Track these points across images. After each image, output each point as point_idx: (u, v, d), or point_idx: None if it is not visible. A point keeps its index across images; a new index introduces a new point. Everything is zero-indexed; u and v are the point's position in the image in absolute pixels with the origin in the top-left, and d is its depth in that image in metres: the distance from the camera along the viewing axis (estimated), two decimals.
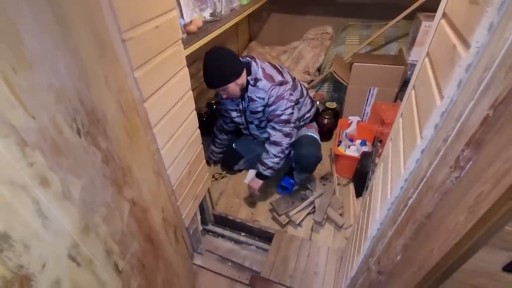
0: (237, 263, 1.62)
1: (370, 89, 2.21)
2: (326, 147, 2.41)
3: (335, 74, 2.28)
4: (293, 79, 1.74)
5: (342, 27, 2.81)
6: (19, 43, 0.45)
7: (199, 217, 1.65)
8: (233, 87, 1.54)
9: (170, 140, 1.08)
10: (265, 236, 1.75)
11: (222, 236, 1.79)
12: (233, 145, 2.12)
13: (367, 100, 2.27)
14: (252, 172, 2.15)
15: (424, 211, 0.62)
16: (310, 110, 1.90)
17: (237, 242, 1.76)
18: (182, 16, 1.42)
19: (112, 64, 0.71)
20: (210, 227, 1.83)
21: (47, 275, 0.50)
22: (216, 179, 2.15)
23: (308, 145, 1.78)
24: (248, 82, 1.59)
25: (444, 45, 0.63)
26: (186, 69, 1.12)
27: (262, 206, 1.95)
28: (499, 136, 0.44)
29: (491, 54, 0.44)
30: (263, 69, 1.59)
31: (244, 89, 1.61)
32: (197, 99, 1.55)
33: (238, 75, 1.53)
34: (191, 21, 1.45)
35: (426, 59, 0.76)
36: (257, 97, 1.62)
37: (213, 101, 2.49)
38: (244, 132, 2.00)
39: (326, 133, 2.43)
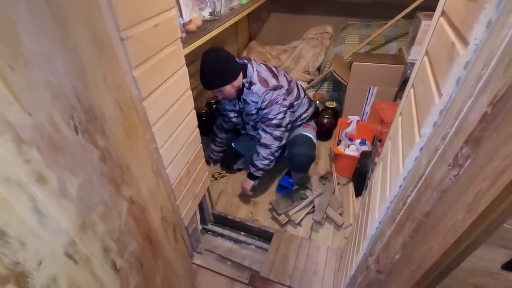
0: (237, 262, 1.62)
1: (370, 88, 2.20)
2: (325, 147, 2.41)
3: (334, 74, 2.28)
4: (289, 82, 1.71)
5: (342, 26, 2.81)
6: (17, 42, 0.45)
7: (198, 216, 1.65)
8: (229, 89, 1.55)
9: (169, 139, 1.08)
10: (265, 236, 1.75)
11: (222, 235, 1.79)
12: (232, 144, 2.12)
13: (367, 99, 2.27)
14: None
15: (422, 209, 0.62)
16: (307, 110, 1.89)
17: (236, 241, 1.76)
18: (181, 15, 1.42)
19: (110, 63, 0.71)
20: (210, 226, 1.83)
21: (43, 272, 0.50)
22: (216, 178, 2.15)
23: (301, 145, 1.77)
24: (243, 84, 1.60)
25: (442, 43, 0.63)
26: (185, 68, 1.12)
27: (261, 205, 1.95)
28: (497, 133, 0.44)
29: (490, 51, 0.44)
30: (258, 72, 1.59)
31: (240, 91, 1.62)
32: (196, 99, 1.55)
33: (235, 77, 1.53)
34: (190, 20, 1.45)
35: (425, 58, 0.76)
36: (251, 100, 1.63)
37: (212, 101, 2.49)
38: (242, 132, 2.01)
39: (326, 133, 2.43)
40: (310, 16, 2.98)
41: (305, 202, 1.85)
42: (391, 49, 2.44)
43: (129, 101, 0.79)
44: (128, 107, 0.78)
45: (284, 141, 1.70)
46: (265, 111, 1.60)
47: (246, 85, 1.59)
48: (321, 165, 2.23)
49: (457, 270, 0.58)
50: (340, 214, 1.80)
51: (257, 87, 1.57)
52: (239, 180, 2.12)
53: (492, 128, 0.44)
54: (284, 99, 1.60)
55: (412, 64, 2.06)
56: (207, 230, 1.82)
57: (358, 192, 1.92)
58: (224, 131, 2.07)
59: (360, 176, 1.86)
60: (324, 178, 2.07)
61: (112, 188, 0.71)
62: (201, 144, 1.39)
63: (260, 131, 1.69)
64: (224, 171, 2.20)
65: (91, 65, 0.62)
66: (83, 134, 0.59)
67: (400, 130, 0.85)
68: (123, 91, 0.76)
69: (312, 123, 2.01)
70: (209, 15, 1.71)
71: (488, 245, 0.51)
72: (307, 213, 1.83)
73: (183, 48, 1.17)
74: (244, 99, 1.65)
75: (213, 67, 1.47)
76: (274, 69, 1.70)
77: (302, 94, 1.83)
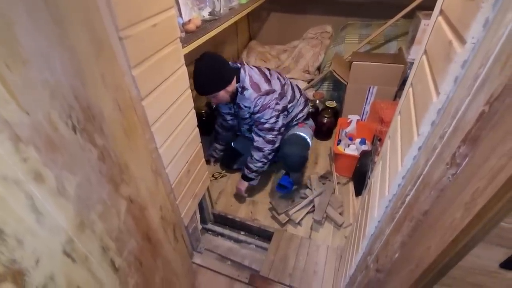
0: (237, 262, 1.62)
1: (370, 87, 2.20)
2: (325, 146, 2.41)
3: (334, 73, 2.28)
4: (282, 85, 1.69)
5: (341, 26, 2.81)
6: (14, 41, 0.45)
7: (198, 216, 1.65)
8: (223, 94, 1.56)
9: (169, 139, 1.08)
10: (265, 235, 1.75)
11: (222, 235, 1.79)
12: (232, 143, 2.12)
13: (367, 99, 2.27)
14: None
15: (421, 208, 0.62)
16: (302, 109, 1.88)
17: (236, 241, 1.76)
18: (180, 15, 1.42)
19: (109, 62, 0.71)
20: (210, 226, 1.83)
21: (41, 270, 0.50)
22: (216, 178, 2.15)
23: (293, 145, 1.76)
24: (237, 89, 1.60)
25: (440, 42, 0.63)
26: (184, 68, 1.12)
27: (261, 205, 1.95)
28: (494, 132, 0.44)
29: (487, 50, 0.44)
30: (250, 77, 1.58)
31: (234, 95, 1.62)
32: (196, 99, 1.55)
33: (228, 83, 1.54)
34: (189, 20, 1.45)
35: (424, 57, 0.76)
36: (244, 105, 1.64)
37: None
38: (238, 133, 2.04)
39: (326, 132, 2.43)
40: (310, 16, 2.98)
41: (305, 201, 1.85)
42: (391, 49, 2.44)
43: (128, 100, 0.80)
44: (127, 107, 0.78)
45: (277, 144, 1.71)
46: (257, 115, 1.61)
47: (239, 90, 1.59)
48: (321, 165, 2.23)
49: (455, 269, 0.58)
50: (340, 214, 1.80)
51: (249, 92, 1.57)
52: (239, 179, 2.13)
53: (489, 127, 0.44)
54: (277, 104, 1.59)
55: (412, 64, 2.06)
56: (207, 230, 1.82)
57: (358, 192, 1.92)
58: (225, 129, 2.08)
59: (360, 176, 1.86)
60: (324, 177, 2.07)
61: (110, 187, 0.71)
62: (200, 144, 1.39)
63: (253, 134, 1.71)
64: (224, 171, 2.20)
65: (90, 65, 0.63)
66: (81, 133, 0.59)
67: (399, 129, 0.85)
68: (122, 91, 0.76)
69: (310, 122, 2.00)
70: (208, 15, 1.71)
71: (485, 244, 0.51)
72: (307, 213, 1.83)
73: (183, 48, 1.17)
74: (237, 104, 1.66)
75: (206, 73, 1.47)
76: (267, 72, 1.68)
77: (297, 95, 1.82)
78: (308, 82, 2.76)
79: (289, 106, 1.74)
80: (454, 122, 0.51)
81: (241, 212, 1.91)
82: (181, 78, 1.12)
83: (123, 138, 0.76)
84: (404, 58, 2.10)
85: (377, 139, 1.87)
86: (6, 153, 0.43)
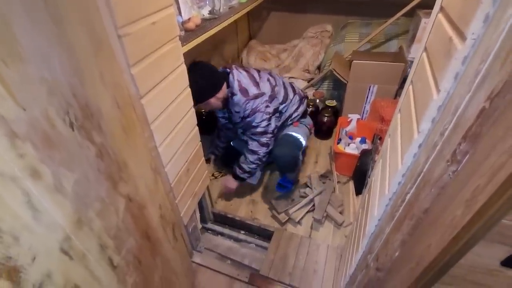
0: (237, 261, 1.62)
1: (370, 86, 2.20)
2: (326, 145, 2.41)
3: (334, 72, 2.28)
4: (273, 87, 1.66)
5: (341, 25, 2.80)
6: (11, 37, 0.45)
7: (198, 215, 1.65)
8: (214, 101, 1.55)
9: (168, 137, 1.07)
10: (265, 234, 1.75)
11: (222, 234, 1.79)
12: (231, 143, 2.12)
13: (367, 97, 2.26)
14: None
15: (421, 206, 0.62)
16: (297, 109, 1.83)
17: (236, 240, 1.75)
18: (180, 13, 1.41)
19: (108, 60, 0.71)
20: (210, 225, 1.83)
21: (37, 268, 0.50)
22: (216, 177, 2.15)
23: (283, 145, 1.74)
24: (228, 94, 1.60)
25: (441, 39, 0.63)
26: (183, 66, 1.12)
27: (261, 204, 1.94)
28: (495, 128, 0.43)
29: (487, 46, 0.44)
30: (239, 81, 1.57)
31: (226, 101, 1.62)
32: None
33: (217, 90, 1.53)
34: (189, 19, 1.45)
35: (424, 54, 0.76)
36: (234, 110, 1.64)
37: None
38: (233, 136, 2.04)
39: (326, 131, 2.43)
40: (310, 15, 2.98)
41: (305, 200, 1.84)
42: (391, 47, 2.44)
43: (127, 98, 0.79)
44: (126, 105, 0.78)
45: (271, 147, 1.71)
46: (248, 119, 1.60)
47: (229, 95, 1.59)
48: (321, 164, 2.23)
49: (455, 267, 0.58)
50: (340, 213, 1.79)
51: (238, 98, 1.57)
52: None
53: (489, 123, 0.44)
54: (267, 106, 1.58)
55: (412, 62, 2.05)
56: (207, 229, 1.82)
57: (359, 191, 1.92)
58: (226, 128, 2.07)
59: (360, 175, 1.86)
60: (324, 176, 2.07)
61: (109, 185, 0.70)
62: (200, 143, 1.39)
63: (247, 138, 1.71)
64: (224, 170, 2.20)
65: (88, 62, 0.62)
66: (79, 130, 0.59)
67: (399, 127, 0.85)
68: (120, 89, 0.76)
69: (307, 120, 1.96)
70: (208, 13, 1.71)
71: (486, 242, 0.50)
72: (307, 212, 1.83)
73: (182, 46, 1.17)
74: (229, 109, 1.66)
75: (194, 82, 1.46)
76: (256, 75, 1.66)
77: (290, 94, 1.78)
78: (308, 81, 2.75)
79: (281, 107, 1.72)
80: (455, 119, 0.51)
81: (241, 211, 1.90)
82: (181, 77, 1.12)
83: (121, 136, 0.76)
84: (405, 57, 2.09)
85: (378, 138, 1.87)
86: (3, 149, 0.43)
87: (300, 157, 1.81)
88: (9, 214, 0.45)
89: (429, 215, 0.61)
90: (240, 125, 1.71)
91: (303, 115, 1.90)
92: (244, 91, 1.57)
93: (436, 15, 0.71)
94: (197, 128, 1.33)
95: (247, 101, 1.56)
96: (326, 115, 2.36)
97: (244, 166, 1.74)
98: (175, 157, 1.14)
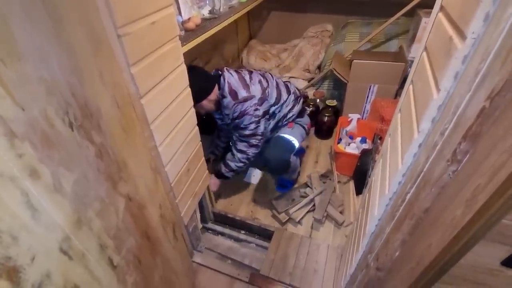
0: (237, 260, 1.62)
1: (370, 86, 2.20)
2: (326, 145, 2.40)
3: (335, 72, 2.28)
4: (264, 89, 1.63)
5: (342, 24, 2.80)
6: (9, 36, 0.45)
7: (198, 214, 1.65)
8: (206, 104, 1.55)
9: (168, 137, 1.07)
10: (265, 234, 1.75)
11: (222, 234, 1.79)
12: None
13: (367, 97, 2.26)
14: (251, 171, 2.15)
15: (421, 206, 0.62)
16: (292, 109, 1.79)
17: (237, 240, 1.75)
18: (180, 13, 1.41)
19: (107, 60, 0.70)
20: (210, 225, 1.83)
21: (36, 268, 0.50)
22: None
23: (274, 148, 1.72)
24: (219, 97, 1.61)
25: (441, 38, 0.63)
26: (183, 66, 1.12)
27: (262, 204, 1.94)
28: (495, 128, 0.43)
29: (487, 45, 0.44)
30: (229, 84, 1.57)
31: (218, 103, 1.62)
32: None
33: (208, 93, 1.53)
34: (189, 18, 1.45)
35: (424, 53, 0.76)
36: (224, 112, 1.65)
37: None
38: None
39: (326, 131, 2.43)
40: (310, 15, 2.97)
41: (305, 200, 1.84)
42: (391, 47, 2.43)
43: (127, 98, 0.79)
44: (125, 104, 0.78)
45: (259, 149, 1.71)
46: (237, 121, 1.60)
47: (220, 97, 1.59)
48: (321, 164, 2.23)
49: (456, 267, 0.58)
50: (341, 213, 1.79)
51: (227, 100, 1.57)
52: (240, 179, 2.12)
53: (490, 122, 0.44)
54: (256, 109, 1.57)
55: (413, 62, 2.05)
56: (207, 229, 1.82)
57: (359, 190, 1.92)
58: (223, 128, 2.07)
59: (360, 174, 1.85)
60: (325, 176, 2.07)
61: (108, 185, 0.70)
62: (200, 143, 1.39)
63: (236, 138, 1.71)
64: None
65: (87, 62, 0.62)
66: (78, 130, 0.59)
67: (399, 127, 0.85)
68: (120, 88, 0.76)
69: (304, 119, 1.90)
70: (208, 13, 1.71)
71: (486, 241, 0.50)
72: (308, 212, 1.82)
73: (182, 46, 1.17)
74: (221, 111, 1.66)
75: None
76: (247, 77, 1.64)
77: (284, 95, 1.75)
78: (309, 81, 2.75)
79: (273, 109, 1.70)
80: (455, 119, 0.51)
81: (242, 211, 1.90)
82: (181, 76, 1.11)
83: (121, 135, 0.76)
84: (405, 56, 2.09)
85: (378, 138, 1.86)
86: (1, 149, 0.43)
87: (293, 159, 1.78)
88: (8, 214, 0.45)
89: (430, 214, 0.61)
90: (231, 126, 1.71)
91: (300, 114, 1.87)
92: (234, 94, 1.57)
93: (436, 15, 0.71)
94: (197, 128, 1.33)
95: (235, 104, 1.56)
96: (327, 114, 2.36)
97: (231, 164, 1.73)
98: (175, 157, 1.14)
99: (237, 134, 1.68)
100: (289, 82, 1.88)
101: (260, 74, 1.70)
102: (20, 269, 0.47)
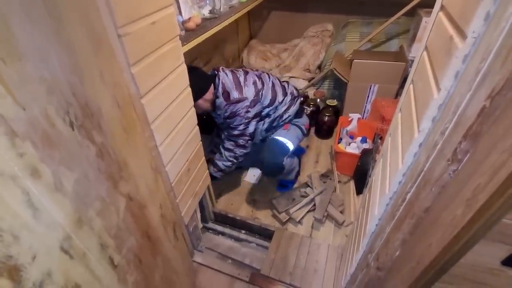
0: (237, 260, 1.62)
1: (371, 86, 2.20)
2: (326, 145, 2.41)
3: (335, 71, 2.28)
4: (258, 91, 1.62)
5: (342, 24, 2.80)
6: (9, 35, 0.45)
7: (199, 214, 1.65)
8: (202, 103, 1.55)
9: (169, 137, 1.07)
10: (265, 234, 1.75)
11: (222, 233, 1.79)
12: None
13: (368, 97, 2.26)
14: (251, 171, 2.15)
15: (422, 205, 0.62)
16: (287, 110, 1.76)
17: (237, 239, 1.75)
18: (180, 13, 1.41)
19: (108, 60, 0.71)
20: (210, 224, 1.83)
21: (37, 267, 0.50)
22: None
23: (267, 151, 1.71)
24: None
25: (441, 38, 0.63)
26: (184, 66, 1.12)
27: (262, 203, 1.94)
28: (496, 127, 0.43)
29: (488, 45, 0.44)
30: (223, 84, 1.58)
31: (214, 102, 1.63)
32: None
33: (204, 93, 1.54)
34: (189, 18, 1.45)
35: (424, 53, 0.76)
36: (216, 112, 1.66)
37: None
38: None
39: (327, 131, 2.43)
40: (311, 14, 2.97)
41: (306, 200, 1.84)
42: (392, 47, 2.43)
43: (127, 97, 0.79)
44: (126, 104, 0.78)
45: (248, 150, 1.71)
46: (228, 121, 1.62)
47: (214, 97, 1.60)
48: (322, 163, 2.23)
49: (456, 267, 0.58)
50: (341, 212, 1.79)
51: (220, 101, 1.59)
52: (240, 179, 2.12)
53: (490, 122, 0.44)
54: (247, 111, 1.58)
55: (413, 61, 2.05)
56: (208, 228, 1.82)
57: (359, 190, 1.92)
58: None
59: (361, 174, 1.85)
60: (325, 176, 2.07)
61: (109, 184, 0.70)
62: (201, 142, 1.39)
63: (224, 137, 1.72)
64: None
65: (88, 62, 0.62)
66: (79, 129, 0.59)
67: (400, 126, 0.85)
68: (120, 88, 0.76)
69: (302, 120, 1.87)
70: (208, 13, 1.71)
71: (487, 241, 0.50)
72: (308, 211, 1.82)
73: (182, 46, 1.17)
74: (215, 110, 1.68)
75: None
76: (241, 78, 1.63)
77: (280, 97, 1.72)
78: (309, 81, 2.75)
79: (267, 110, 1.69)
80: (455, 118, 0.51)
81: (242, 211, 1.90)
82: (181, 76, 1.12)
83: (122, 135, 0.76)
84: (405, 56, 2.09)
85: (378, 137, 1.86)
86: (2, 148, 0.43)
87: (288, 161, 1.75)
88: (9, 213, 0.45)
89: (430, 214, 0.61)
90: (224, 125, 1.71)
91: (297, 115, 1.84)
92: (227, 95, 1.57)
93: (437, 14, 0.71)
94: (197, 127, 1.33)
95: (227, 105, 1.57)
96: (327, 114, 2.36)
97: (219, 163, 1.74)
98: (175, 157, 1.14)
99: (226, 133, 1.70)
100: (287, 82, 1.86)
101: (256, 75, 1.69)
102: (21, 268, 0.47)
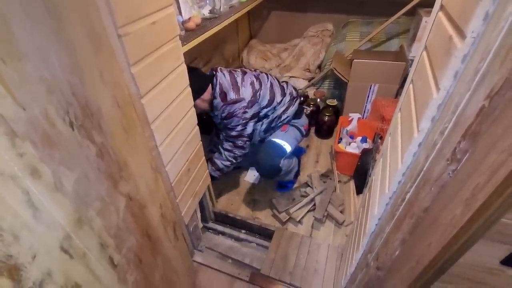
0: (237, 260, 1.62)
1: (371, 85, 2.20)
2: (327, 145, 2.41)
3: (335, 71, 2.28)
4: (255, 92, 1.61)
5: (342, 24, 2.80)
6: (9, 35, 0.45)
7: (199, 214, 1.65)
8: (200, 103, 1.55)
9: (169, 137, 1.07)
10: (265, 234, 1.75)
11: (223, 233, 1.79)
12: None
13: (368, 97, 2.26)
14: (252, 171, 2.15)
15: (421, 205, 0.62)
16: (286, 110, 1.75)
17: (237, 239, 1.75)
18: (180, 13, 1.41)
19: (108, 60, 0.71)
20: (211, 224, 1.83)
21: (38, 266, 0.50)
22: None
23: (264, 153, 1.70)
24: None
25: (441, 37, 0.63)
26: (184, 66, 1.12)
27: (262, 203, 1.94)
28: (495, 127, 0.43)
29: (487, 44, 0.44)
30: (220, 85, 1.57)
31: (212, 102, 1.63)
32: None
33: (201, 93, 1.54)
34: (189, 18, 1.45)
35: (424, 53, 0.76)
36: (214, 113, 1.67)
37: None
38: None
39: (327, 131, 2.43)
40: (311, 14, 2.98)
41: (306, 200, 1.84)
42: (392, 46, 2.43)
43: (127, 97, 0.79)
44: (126, 104, 0.78)
45: (247, 150, 1.71)
46: (225, 121, 1.62)
47: (212, 97, 1.60)
48: (322, 163, 2.23)
49: (455, 266, 0.58)
50: (341, 212, 1.79)
51: (217, 101, 1.59)
52: (240, 179, 2.13)
53: (489, 121, 0.44)
54: (244, 112, 1.57)
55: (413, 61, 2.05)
56: (208, 228, 1.82)
57: (359, 190, 1.92)
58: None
59: (361, 174, 1.86)
60: (325, 176, 2.07)
61: (109, 184, 0.71)
62: (201, 142, 1.39)
63: (222, 138, 1.72)
64: None
65: (88, 61, 0.62)
66: (79, 129, 0.59)
67: (399, 126, 0.85)
68: (121, 88, 0.76)
69: (301, 121, 1.87)
70: (208, 13, 1.71)
71: (486, 240, 0.50)
72: (308, 211, 1.83)
73: (182, 46, 1.17)
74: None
75: None
76: (239, 79, 1.62)
77: (278, 97, 1.71)
78: (309, 81, 2.75)
79: (265, 111, 1.69)
80: (454, 118, 0.51)
81: (242, 211, 1.91)
82: (181, 76, 1.12)
83: (122, 135, 0.76)
84: (405, 56, 2.09)
85: (378, 137, 1.86)
86: (2, 148, 0.43)
87: (286, 163, 1.73)
88: (9, 213, 0.45)
89: (429, 214, 0.61)
90: (221, 126, 1.71)
91: (297, 115, 1.83)
92: (224, 96, 1.57)
93: (436, 14, 0.71)
94: (197, 128, 1.33)
95: (224, 105, 1.57)
96: (327, 114, 2.36)
97: (218, 162, 1.73)
98: (175, 157, 1.14)
99: (224, 134, 1.70)
100: (285, 82, 1.85)
101: (254, 76, 1.68)
102: (22, 267, 0.47)
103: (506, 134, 0.41)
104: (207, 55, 2.53)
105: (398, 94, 2.17)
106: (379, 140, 1.81)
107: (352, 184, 2.02)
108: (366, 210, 1.06)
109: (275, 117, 1.74)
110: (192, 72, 1.47)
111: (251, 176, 2.13)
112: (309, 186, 1.98)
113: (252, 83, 1.63)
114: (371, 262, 0.88)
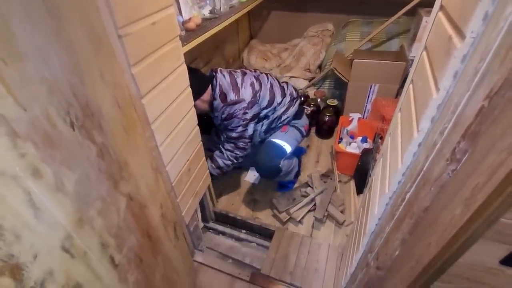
0: (238, 260, 1.62)
1: (371, 85, 2.20)
2: (327, 144, 2.41)
3: (335, 71, 2.28)
4: (255, 93, 1.61)
5: (343, 24, 2.80)
6: (10, 35, 0.45)
7: (199, 214, 1.66)
8: (200, 104, 1.55)
9: (169, 137, 1.08)
10: (266, 233, 1.75)
11: (223, 233, 1.80)
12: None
13: (368, 97, 2.26)
14: (252, 171, 2.15)
15: (421, 205, 0.62)
16: (286, 111, 1.74)
17: (237, 239, 1.76)
18: (180, 13, 1.42)
19: (108, 60, 0.71)
20: (211, 224, 1.83)
21: (39, 265, 0.51)
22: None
23: (264, 154, 1.70)
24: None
25: (440, 37, 0.63)
26: (184, 66, 1.12)
27: (262, 203, 1.95)
28: (494, 127, 0.43)
29: (486, 44, 0.44)
30: (220, 86, 1.57)
31: (212, 103, 1.63)
32: None
33: (201, 94, 1.54)
34: (189, 19, 1.45)
35: (424, 53, 0.76)
36: (214, 114, 1.66)
37: None
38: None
39: (327, 131, 2.43)
40: (311, 14, 2.98)
41: (306, 200, 1.84)
42: (392, 46, 2.43)
43: (128, 98, 0.80)
44: (126, 104, 0.78)
45: (248, 151, 1.71)
46: (225, 122, 1.62)
47: (211, 98, 1.60)
48: (322, 163, 2.23)
49: (455, 266, 0.58)
50: (342, 212, 1.79)
51: (217, 103, 1.59)
52: (240, 178, 2.13)
53: (488, 122, 0.44)
54: (245, 113, 1.57)
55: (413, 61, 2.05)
56: (209, 228, 1.83)
57: (360, 190, 1.92)
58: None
59: (361, 174, 1.86)
60: (326, 176, 2.07)
61: (110, 184, 0.71)
62: (201, 142, 1.39)
63: (223, 139, 1.72)
64: None
65: (88, 62, 0.63)
66: (79, 130, 0.59)
67: (399, 126, 0.85)
68: (121, 88, 0.76)
69: (301, 121, 1.86)
70: (209, 13, 1.71)
71: (485, 240, 0.50)
72: (308, 211, 1.83)
73: (183, 46, 1.17)
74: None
75: None
76: (239, 79, 1.62)
77: (278, 98, 1.70)
78: (309, 81, 2.75)
79: (266, 111, 1.69)
80: (454, 118, 0.51)
81: (242, 211, 1.91)
82: (181, 77, 1.12)
83: (122, 135, 0.76)
84: (406, 56, 2.09)
85: (379, 137, 1.86)
86: (4, 148, 0.44)
87: (286, 163, 1.73)
88: (10, 213, 0.45)
89: (429, 214, 0.61)
90: (222, 127, 1.71)
91: (297, 116, 1.82)
92: (223, 97, 1.57)
93: (436, 14, 0.71)
94: (197, 128, 1.34)
95: (224, 107, 1.57)
96: (327, 114, 2.36)
97: (219, 160, 1.72)
98: (176, 157, 1.15)
99: (225, 135, 1.70)
100: (286, 83, 1.85)
101: (254, 76, 1.68)
102: (23, 267, 0.48)
103: (506, 134, 0.41)
104: (208, 55, 2.53)
105: (398, 94, 2.17)
106: (380, 140, 1.81)
107: (352, 184, 2.02)
108: (366, 210, 1.06)
109: (275, 118, 1.74)
110: (192, 73, 1.47)
111: (251, 176, 2.14)
112: (309, 186, 1.98)
113: (252, 84, 1.62)
114: (371, 262, 0.88)
